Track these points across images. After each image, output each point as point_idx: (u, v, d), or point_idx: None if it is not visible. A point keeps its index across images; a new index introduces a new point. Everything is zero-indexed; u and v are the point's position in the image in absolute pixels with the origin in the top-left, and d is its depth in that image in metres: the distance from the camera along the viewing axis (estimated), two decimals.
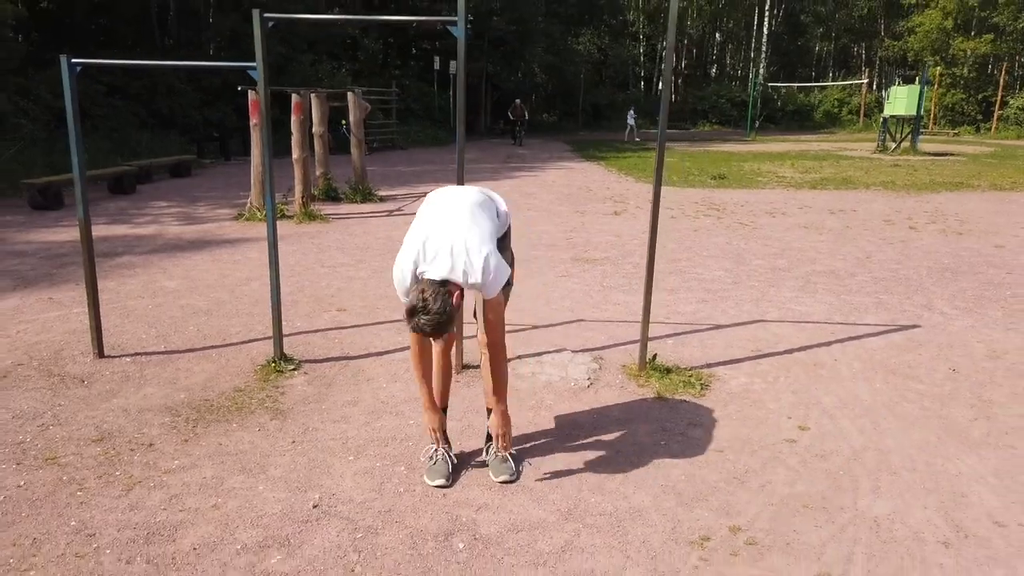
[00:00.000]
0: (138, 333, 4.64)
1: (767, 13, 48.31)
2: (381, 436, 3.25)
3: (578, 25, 41.27)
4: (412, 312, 2.45)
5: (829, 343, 4.62)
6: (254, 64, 3.78)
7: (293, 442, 3.18)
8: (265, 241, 7.59)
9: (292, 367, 4.05)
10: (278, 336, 4.10)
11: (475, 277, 2.55)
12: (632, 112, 31.54)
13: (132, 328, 4.73)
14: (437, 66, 29.96)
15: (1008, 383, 3.99)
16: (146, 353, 4.28)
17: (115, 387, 3.76)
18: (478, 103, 32.12)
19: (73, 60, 3.76)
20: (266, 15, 3.70)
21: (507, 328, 2.93)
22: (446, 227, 2.60)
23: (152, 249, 7.31)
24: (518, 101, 25.69)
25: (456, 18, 3.61)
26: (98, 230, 7.86)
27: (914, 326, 5.00)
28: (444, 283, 2.51)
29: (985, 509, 2.71)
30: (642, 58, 49.22)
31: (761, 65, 48.42)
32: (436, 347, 2.89)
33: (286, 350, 4.18)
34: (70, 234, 7.95)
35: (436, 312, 2.43)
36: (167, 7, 22.12)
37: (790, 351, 4.47)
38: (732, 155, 21.44)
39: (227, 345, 4.45)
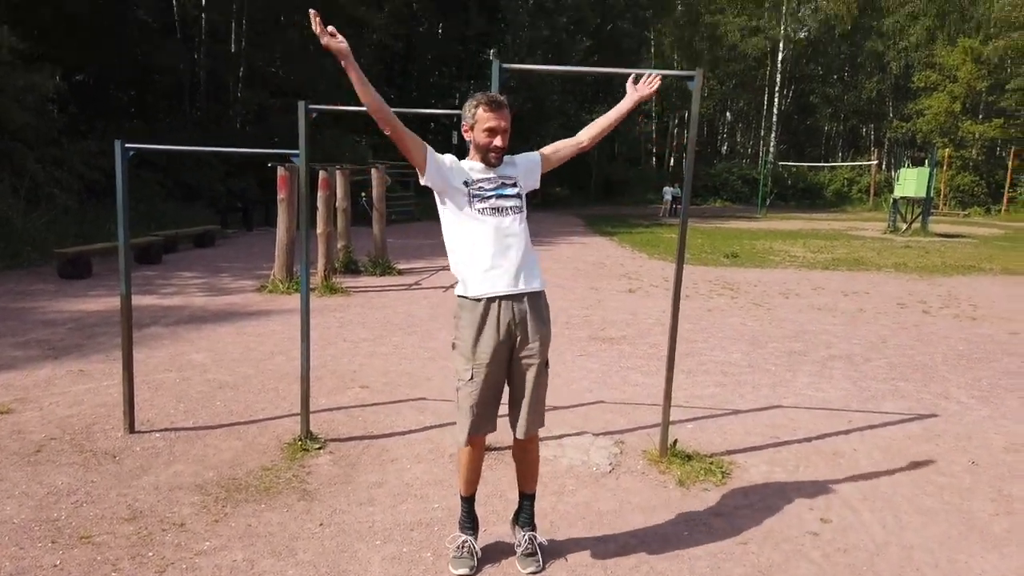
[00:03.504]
0: (167, 408, 4.74)
1: (777, 94, 49.53)
2: (407, 520, 3.30)
3: (592, 103, 42.46)
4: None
5: (848, 431, 4.65)
6: (297, 151, 4.00)
7: (321, 524, 3.23)
8: (289, 314, 7.77)
9: (317, 446, 4.13)
10: (305, 414, 4.19)
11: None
12: (668, 188, 30.83)
13: (161, 402, 4.84)
14: (455, 140, 30.79)
15: None
16: (175, 429, 4.37)
17: (146, 463, 3.84)
18: None
19: (127, 146, 3.98)
20: (311, 106, 3.94)
21: None
22: None
23: (178, 320, 7.48)
24: None
25: None
26: None
27: (932, 415, 5.03)
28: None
29: None
30: (654, 134, 50.37)
31: (771, 143, 49.37)
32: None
33: (312, 428, 4.26)
34: (99, 304, 8.15)
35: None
36: (198, 82, 23.06)
37: (809, 439, 4.51)
38: (744, 232, 21.72)
39: (253, 421, 4.54)
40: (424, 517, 3.34)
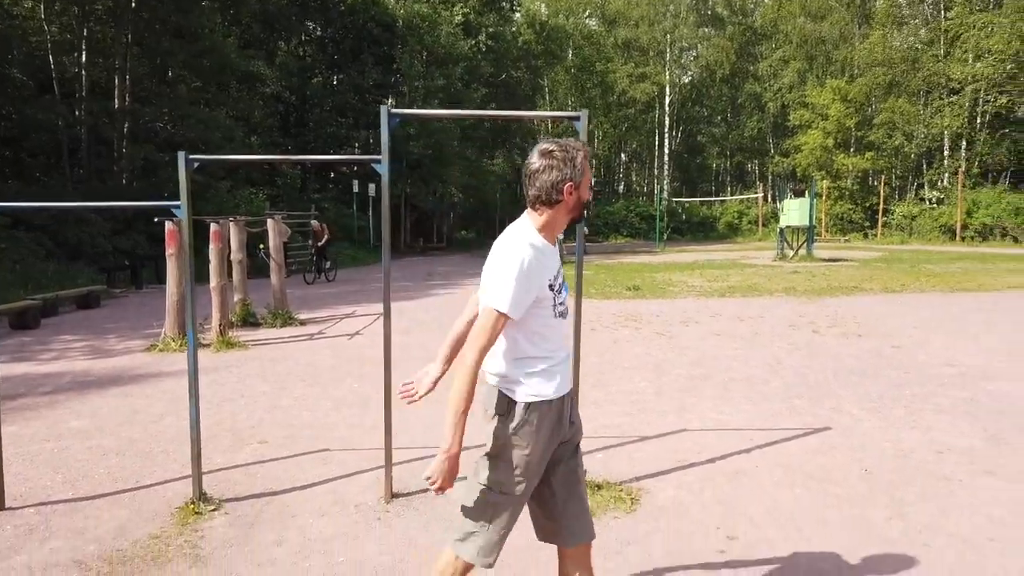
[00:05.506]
0: (42, 480, 4.36)
1: (667, 135, 51.90)
2: None
3: (492, 148, 43.17)
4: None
5: (749, 450, 4.77)
6: (178, 203, 3.82)
7: None
8: (181, 374, 7.38)
9: (212, 508, 3.88)
10: (197, 474, 3.94)
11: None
12: None
13: (36, 475, 4.45)
14: (356, 189, 30.61)
15: (917, 481, 4.20)
16: (51, 502, 4.01)
17: (18, 543, 3.50)
18: (398, 223, 32.69)
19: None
20: (192, 156, 3.79)
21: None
22: None
23: (57, 388, 6.95)
24: (315, 222, 19.77)
25: (380, 156, 3.80)
26: None
27: (826, 428, 5.24)
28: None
29: None
30: None
31: (665, 181, 51.46)
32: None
33: (205, 489, 4.01)
34: None
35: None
36: (78, 138, 21.97)
37: (713, 460, 4.59)
38: (644, 266, 22.37)
39: (141, 488, 4.23)
40: (328, 572, 3.17)
